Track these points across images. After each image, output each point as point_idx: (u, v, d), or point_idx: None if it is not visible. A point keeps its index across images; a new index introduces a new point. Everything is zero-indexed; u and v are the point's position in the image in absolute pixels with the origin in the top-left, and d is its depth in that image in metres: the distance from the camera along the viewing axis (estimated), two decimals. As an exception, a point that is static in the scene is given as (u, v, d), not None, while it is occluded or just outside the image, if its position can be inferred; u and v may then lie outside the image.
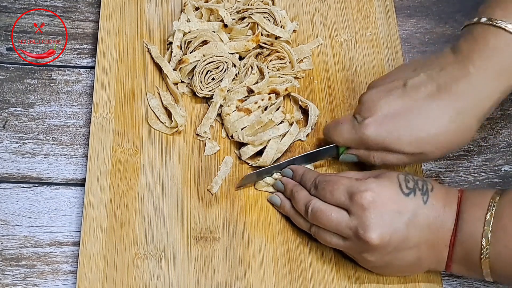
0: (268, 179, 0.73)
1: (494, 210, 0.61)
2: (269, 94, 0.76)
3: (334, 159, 0.74)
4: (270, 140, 0.73)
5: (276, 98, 0.76)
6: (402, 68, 0.70)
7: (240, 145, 0.75)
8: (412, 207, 0.63)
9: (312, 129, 0.77)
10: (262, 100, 0.75)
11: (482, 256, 0.61)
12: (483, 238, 0.60)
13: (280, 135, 0.73)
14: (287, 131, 0.74)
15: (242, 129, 0.74)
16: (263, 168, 0.73)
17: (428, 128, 0.64)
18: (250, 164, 0.74)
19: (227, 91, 0.76)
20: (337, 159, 0.72)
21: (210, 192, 0.72)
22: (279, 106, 0.76)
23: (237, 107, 0.75)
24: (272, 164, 0.73)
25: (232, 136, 0.74)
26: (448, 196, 0.64)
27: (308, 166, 0.74)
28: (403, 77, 0.67)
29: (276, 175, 0.73)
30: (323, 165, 0.75)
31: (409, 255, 0.64)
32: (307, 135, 0.76)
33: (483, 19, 0.65)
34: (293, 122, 0.74)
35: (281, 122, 0.74)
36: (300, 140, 0.76)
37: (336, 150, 0.71)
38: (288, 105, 0.79)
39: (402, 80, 0.66)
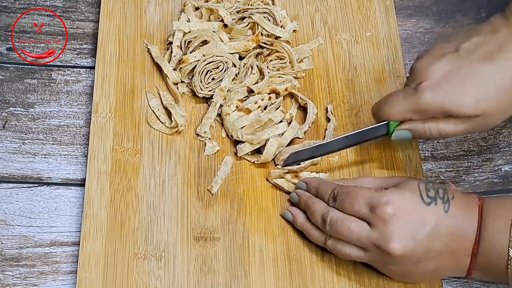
0: (287, 177, 0.73)
1: None
2: (269, 94, 0.76)
3: (385, 138, 0.71)
4: (269, 138, 0.73)
5: (276, 98, 0.76)
6: (450, 37, 0.69)
7: (237, 143, 0.75)
8: (434, 217, 0.62)
9: (309, 127, 0.77)
10: (262, 100, 0.75)
11: (509, 267, 0.60)
12: (510, 250, 0.60)
13: (279, 134, 0.73)
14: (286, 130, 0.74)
15: (241, 128, 0.74)
16: (310, 146, 0.72)
17: (488, 87, 0.62)
18: (252, 162, 0.74)
19: (227, 91, 0.76)
20: (388, 137, 0.69)
21: (210, 192, 0.72)
22: (279, 106, 0.76)
23: (237, 107, 0.75)
24: (322, 142, 0.72)
25: (232, 136, 0.74)
26: (468, 204, 0.63)
27: (323, 176, 0.73)
28: (454, 43, 0.66)
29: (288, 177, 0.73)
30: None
31: (431, 264, 0.63)
32: (305, 132, 0.76)
33: None
34: (291, 121, 0.74)
35: (280, 122, 0.74)
36: (297, 137, 0.76)
37: (387, 128, 0.68)
38: (288, 105, 0.79)
39: (454, 46, 0.65)
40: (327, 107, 0.78)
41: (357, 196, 0.64)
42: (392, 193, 0.63)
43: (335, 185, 0.68)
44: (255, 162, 0.74)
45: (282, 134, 0.74)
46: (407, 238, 0.61)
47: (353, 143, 0.71)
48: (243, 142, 0.74)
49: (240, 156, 0.74)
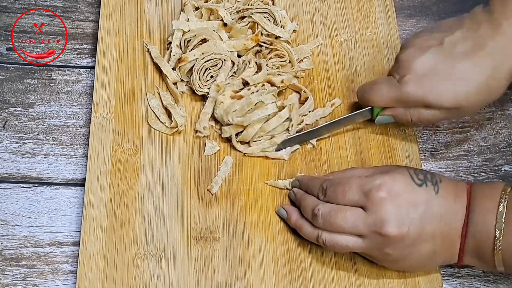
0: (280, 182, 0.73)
1: (506, 202, 0.62)
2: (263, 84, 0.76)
3: (369, 122, 0.75)
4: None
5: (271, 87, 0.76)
6: (435, 27, 0.71)
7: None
8: (426, 198, 0.63)
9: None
10: (256, 87, 0.75)
11: (495, 248, 0.61)
12: (496, 230, 0.61)
13: (268, 115, 0.73)
14: (276, 112, 0.73)
15: (233, 111, 0.73)
16: (299, 134, 0.74)
17: (466, 84, 0.66)
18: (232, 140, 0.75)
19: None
20: (372, 121, 0.74)
21: (210, 192, 0.72)
22: (271, 92, 0.75)
23: (231, 96, 0.75)
24: (309, 129, 0.75)
25: (223, 123, 0.74)
26: (457, 187, 0.65)
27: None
28: (439, 36, 0.69)
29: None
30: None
31: (426, 248, 0.64)
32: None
33: None
34: (282, 109, 0.74)
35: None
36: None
37: (371, 112, 0.73)
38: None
39: (438, 39, 0.68)
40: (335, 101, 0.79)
41: (348, 184, 0.65)
42: (383, 177, 0.64)
43: (323, 179, 0.69)
44: (236, 140, 0.74)
45: (272, 116, 0.74)
46: (401, 219, 0.62)
47: (340, 127, 0.75)
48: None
49: (225, 138, 0.75)
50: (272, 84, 0.76)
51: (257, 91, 0.75)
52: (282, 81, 0.77)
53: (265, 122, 0.73)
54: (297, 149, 0.75)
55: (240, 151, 0.74)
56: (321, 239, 0.66)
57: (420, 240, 0.63)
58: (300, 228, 0.69)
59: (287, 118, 0.74)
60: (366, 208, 0.63)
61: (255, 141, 0.74)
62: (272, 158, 0.74)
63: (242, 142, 0.75)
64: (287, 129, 0.75)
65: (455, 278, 0.71)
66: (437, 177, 0.65)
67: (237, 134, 0.74)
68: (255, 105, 0.73)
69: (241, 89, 0.76)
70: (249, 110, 0.73)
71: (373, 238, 0.63)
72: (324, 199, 0.67)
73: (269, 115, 0.73)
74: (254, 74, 0.76)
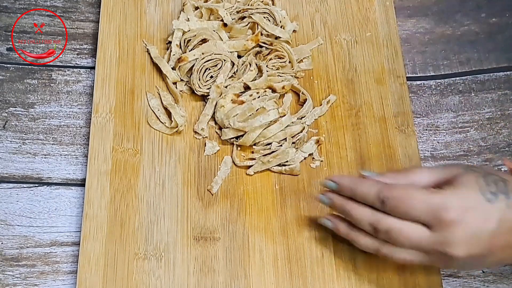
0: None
1: None
2: (265, 90, 0.76)
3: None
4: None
5: (272, 93, 0.76)
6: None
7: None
8: (497, 214, 0.59)
9: (298, 119, 0.76)
10: (257, 93, 0.75)
11: None
12: None
13: (270, 121, 0.73)
14: (277, 118, 0.74)
15: (234, 116, 0.74)
16: None
17: None
18: (231, 143, 0.75)
19: (225, 87, 0.76)
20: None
21: (210, 192, 0.72)
22: (273, 98, 0.76)
23: (232, 100, 0.75)
24: None
25: (224, 126, 0.74)
26: None
27: None
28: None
29: None
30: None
31: (494, 258, 0.60)
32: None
33: None
34: (284, 114, 0.74)
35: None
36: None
37: None
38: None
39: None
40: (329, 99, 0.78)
41: (412, 201, 0.59)
42: (450, 195, 0.59)
43: (378, 186, 0.62)
44: (235, 143, 0.74)
45: (273, 123, 0.74)
46: (470, 240, 0.58)
47: None
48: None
49: (224, 140, 0.74)
50: (273, 90, 0.76)
51: (258, 97, 0.75)
52: (283, 87, 0.77)
53: (265, 128, 0.74)
54: (305, 158, 0.75)
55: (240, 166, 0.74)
56: (382, 253, 0.62)
57: (489, 254, 0.59)
58: (355, 240, 0.64)
59: (288, 125, 0.74)
60: (431, 227, 0.59)
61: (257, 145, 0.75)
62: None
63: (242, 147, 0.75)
64: (293, 143, 0.75)
65: (455, 278, 0.71)
66: (508, 184, 0.60)
67: (236, 138, 0.74)
68: (256, 110, 0.74)
69: (242, 93, 0.76)
70: (250, 115, 0.73)
71: (437, 255, 0.60)
72: (382, 209, 0.61)
73: (270, 121, 0.73)
74: (255, 78, 0.76)
